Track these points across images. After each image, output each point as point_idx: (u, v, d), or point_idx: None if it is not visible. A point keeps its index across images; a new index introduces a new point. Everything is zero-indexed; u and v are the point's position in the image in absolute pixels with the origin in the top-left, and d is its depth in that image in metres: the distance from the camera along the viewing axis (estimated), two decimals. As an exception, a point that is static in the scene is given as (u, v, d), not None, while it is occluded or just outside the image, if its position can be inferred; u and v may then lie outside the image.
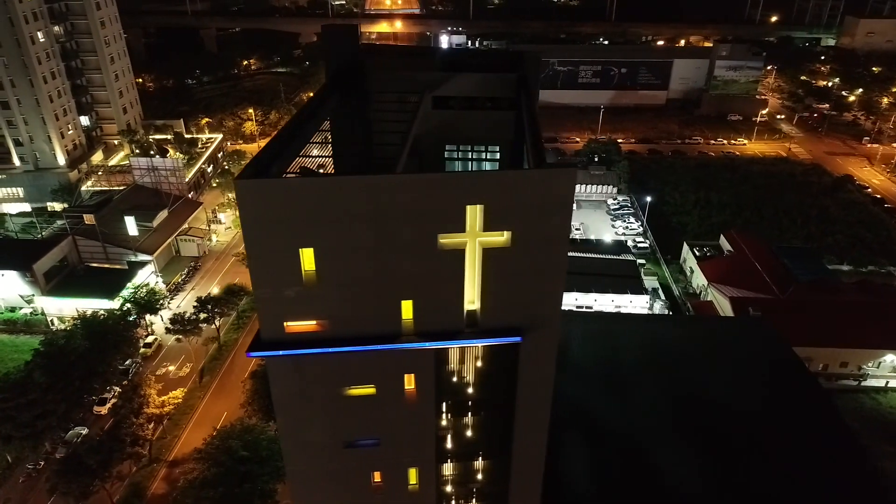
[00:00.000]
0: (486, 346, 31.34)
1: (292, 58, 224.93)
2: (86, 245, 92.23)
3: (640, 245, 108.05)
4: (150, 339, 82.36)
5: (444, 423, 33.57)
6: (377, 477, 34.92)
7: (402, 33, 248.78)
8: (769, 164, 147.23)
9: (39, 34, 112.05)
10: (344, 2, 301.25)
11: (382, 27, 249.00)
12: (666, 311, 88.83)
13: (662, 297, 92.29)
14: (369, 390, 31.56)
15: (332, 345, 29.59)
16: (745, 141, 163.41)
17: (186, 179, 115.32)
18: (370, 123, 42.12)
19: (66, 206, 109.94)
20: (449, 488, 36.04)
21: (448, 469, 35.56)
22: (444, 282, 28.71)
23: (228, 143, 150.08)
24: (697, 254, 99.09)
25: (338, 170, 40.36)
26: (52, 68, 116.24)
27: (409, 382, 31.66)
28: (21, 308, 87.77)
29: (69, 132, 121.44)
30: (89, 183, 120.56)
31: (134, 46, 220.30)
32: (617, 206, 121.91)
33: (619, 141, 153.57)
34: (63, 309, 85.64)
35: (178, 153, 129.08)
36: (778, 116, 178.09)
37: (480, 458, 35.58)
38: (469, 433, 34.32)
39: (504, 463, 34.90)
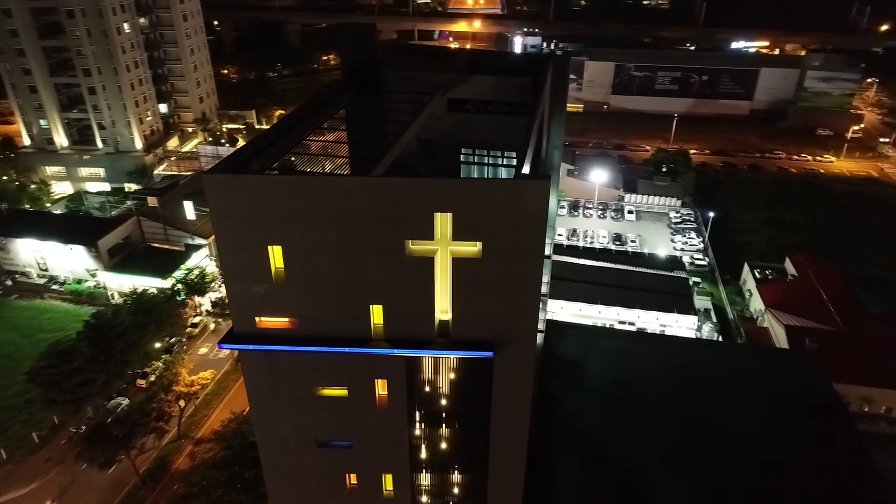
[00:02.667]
0: (460, 359, 30.38)
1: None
2: (149, 226, 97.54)
3: (697, 262, 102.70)
4: (196, 319, 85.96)
5: (418, 432, 32.84)
6: (353, 479, 34.63)
7: (480, 33, 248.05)
8: (855, 185, 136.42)
9: (126, 25, 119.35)
10: (429, 0, 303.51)
11: (461, 26, 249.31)
12: (715, 334, 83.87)
13: (714, 319, 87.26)
14: (341, 392, 31.30)
15: (302, 343, 29.52)
16: (833, 158, 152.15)
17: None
18: (384, 123, 41.85)
19: (139, 187, 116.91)
20: (425, 498, 35.23)
21: (424, 479, 34.77)
22: (414, 289, 28.03)
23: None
24: (758, 276, 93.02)
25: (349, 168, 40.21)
26: (136, 58, 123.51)
27: (382, 388, 31.16)
28: (86, 281, 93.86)
29: (148, 118, 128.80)
30: (162, 167, 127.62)
31: (225, 39, 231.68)
32: (679, 220, 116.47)
33: (693, 152, 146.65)
34: (123, 284, 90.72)
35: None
36: (883, 140, 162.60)
37: (457, 470, 34.57)
38: (444, 445, 33.40)
39: (481, 478, 33.77)
